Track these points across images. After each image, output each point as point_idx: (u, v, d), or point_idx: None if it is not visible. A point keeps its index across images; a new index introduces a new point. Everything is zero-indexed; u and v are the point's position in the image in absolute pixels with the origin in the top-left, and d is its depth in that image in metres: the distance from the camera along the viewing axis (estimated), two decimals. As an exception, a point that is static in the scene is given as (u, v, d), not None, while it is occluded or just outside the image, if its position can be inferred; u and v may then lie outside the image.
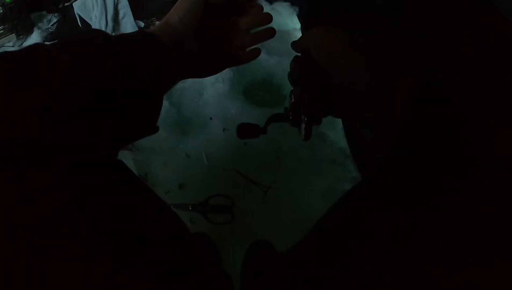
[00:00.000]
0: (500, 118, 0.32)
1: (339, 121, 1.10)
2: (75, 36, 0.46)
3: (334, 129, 1.11)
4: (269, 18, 0.57)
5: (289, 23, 1.37)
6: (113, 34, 1.03)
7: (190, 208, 0.96)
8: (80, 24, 1.24)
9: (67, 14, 1.30)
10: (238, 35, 0.58)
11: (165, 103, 1.11)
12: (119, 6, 1.21)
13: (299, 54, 0.51)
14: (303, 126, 0.45)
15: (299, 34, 1.34)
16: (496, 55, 0.40)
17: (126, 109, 0.45)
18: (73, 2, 1.25)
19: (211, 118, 1.12)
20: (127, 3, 1.21)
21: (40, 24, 1.31)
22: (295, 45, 0.52)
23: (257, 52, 0.61)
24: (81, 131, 0.38)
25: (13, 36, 1.24)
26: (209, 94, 1.17)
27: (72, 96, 0.37)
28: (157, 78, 0.49)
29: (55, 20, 1.31)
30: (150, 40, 0.49)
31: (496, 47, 0.42)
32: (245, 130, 0.53)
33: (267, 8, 1.19)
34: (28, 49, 0.39)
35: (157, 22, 1.24)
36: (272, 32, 0.59)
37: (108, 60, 0.43)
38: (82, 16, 1.22)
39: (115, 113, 0.43)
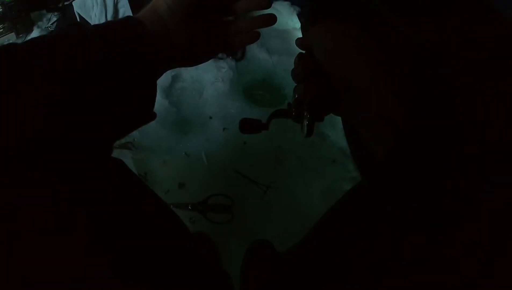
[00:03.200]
0: (502, 119, 0.32)
1: (339, 120, 1.10)
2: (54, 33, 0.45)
3: (334, 129, 1.11)
4: (266, 2, 0.54)
5: (289, 22, 1.37)
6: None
7: (189, 207, 0.96)
8: (79, 23, 1.24)
9: (66, 13, 1.30)
10: (233, 19, 0.55)
11: (165, 102, 1.11)
12: (119, 5, 1.21)
13: (303, 52, 0.51)
14: (305, 122, 0.45)
15: (299, 33, 1.33)
16: (497, 56, 0.40)
17: (117, 98, 0.44)
18: (73, 1, 1.25)
19: (210, 118, 1.12)
20: (127, 1, 1.20)
21: (39, 23, 1.31)
22: (299, 42, 0.52)
23: (254, 36, 0.57)
24: (75, 125, 0.38)
25: (12, 35, 1.24)
26: (208, 94, 1.16)
27: (56, 91, 0.37)
28: (144, 67, 0.47)
29: (54, 19, 1.31)
30: (133, 31, 0.47)
31: (497, 47, 0.42)
32: (248, 126, 0.53)
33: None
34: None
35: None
36: (272, 19, 0.55)
37: (86, 52, 0.42)
38: (81, 15, 1.22)
39: (107, 103, 0.43)
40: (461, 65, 0.41)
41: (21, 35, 1.26)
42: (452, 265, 0.26)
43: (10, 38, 1.24)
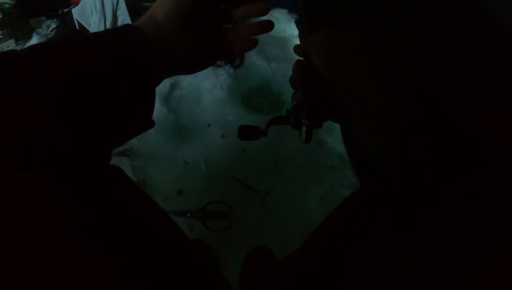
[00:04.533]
0: (499, 120, 0.32)
1: (338, 126, 1.10)
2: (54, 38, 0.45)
3: (332, 135, 1.11)
4: (264, 8, 0.54)
5: (287, 29, 1.38)
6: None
7: (188, 215, 0.96)
8: (78, 30, 1.24)
9: (66, 20, 1.31)
10: (231, 25, 0.55)
11: (164, 110, 1.11)
12: (118, 12, 1.21)
13: (301, 58, 0.51)
14: (303, 129, 0.45)
15: (297, 41, 1.34)
16: (494, 58, 0.41)
17: (116, 106, 0.44)
18: (72, 8, 1.26)
19: (209, 125, 1.12)
20: (126, 9, 1.21)
21: (39, 30, 1.31)
22: (297, 49, 0.52)
23: (252, 43, 0.57)
24: (74, 132, 0.38)
25: (12, 41, 1.24)
26: (207, 101, 1.17)
27: (54, 98, 0.37)
28: (143, 75, 0.47)
29: (54, 26, 1.32)
30: (132, 39, 0.47)
31: (492, 49, 0.42)
32: (246, 133, 0.53)
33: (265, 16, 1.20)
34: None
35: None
36: (269, 25, 0.55)
37: (85, 59, 0.42)
38: (80, 22, 1.22)
39: (106, 110, 0.43)
40: (457, 70, 0.41)
41: (20, 42, 1.26)
42: (452, 270, 0.26)
43: (9, 44, 1.24)
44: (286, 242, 0.90)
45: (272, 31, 0.56)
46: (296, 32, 1.37)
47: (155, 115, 0.51)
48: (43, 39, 1.28)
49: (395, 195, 0.35)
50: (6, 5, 1.18)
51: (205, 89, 1.18)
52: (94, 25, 1.20)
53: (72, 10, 1.24)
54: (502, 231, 0.26)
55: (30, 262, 0.30)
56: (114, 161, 0.46)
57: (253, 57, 1.26)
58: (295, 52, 0.53)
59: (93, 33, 0.46)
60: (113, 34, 0.47)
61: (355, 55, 0.45)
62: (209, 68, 0.76)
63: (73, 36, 0.43)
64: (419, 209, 0.31)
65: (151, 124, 0.52)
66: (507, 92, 0.34)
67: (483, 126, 0.32)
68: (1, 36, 1.21)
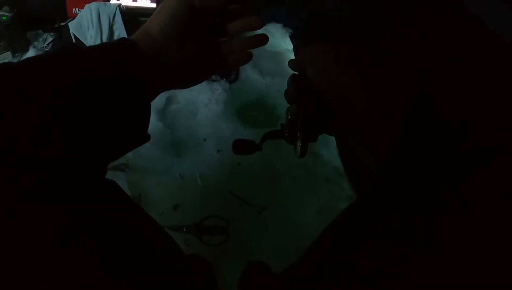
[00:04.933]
0: (498, 126, 0.33)
1: (333, 139, 1.11)
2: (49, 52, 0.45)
3: (327, 148, 1.12)
4: (259, 22, 0.54)
5: (281, 44, 1.39)
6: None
7: (184, 229, 0.95)
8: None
9: (62, 33, 1.31)
10: (226, 39, 0.56)
11: (159, 124, 1.11)
12: (114, 27, 1.22)
13: (296, 73, 0.52)
14: (298, 143, 0.45)
15: (291, 55, 1.35)
16: (490, 65, 0.41)
17: (111, 120, 0.44)
18: (69, 21, 1.26)
19: (205, 139, 1.12)
20: (122, 23, 1.22)
21: (35, 43, 1.32)
22: (291, 63, 0.53)
23: (247, 56, 0.57)
24: (68, 147, 0.38)
25: (8, 54, 1.25)
26: (202, 115, 1.17)
27: (49, 111, 0.37)
28: (138, 89, 0.47)
29: (50, 39, 1.32)
30: (127, 53, 0.47)
31: (484, 58, 0.42)
32: (241, 146, 0.53)
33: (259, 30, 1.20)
34: None
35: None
36: (264, 39, 0.56)
37: (81, 73, 0.42)
38: (77, 35, 1.23)
39: (101, 124, 0.43)
40: (453, 77, 0.41)
41: (17, 54, 1.27)
42: (449, 280, 0.26)
43: (6, 57, 1.25)
44: (283, 256, 0.90)
45: (267, 45, 0.56)
46: (290, 46, 1.38)
47: (151, 129, 0.51)
48: (40, 52, 1.28)
49: (392, 205, 0.35)
50: (3, 18, 1.19)
51: (200, 104, 1.18)
52: (91, 39, 1.21)
53: (69, 23, 1.25)
54: (502, 232, 0.26)
55: (28, 275, 0.30)
56: (109, 175, 0.46)
57: (248, 72, 1.27)
58: (289, 67, 0.54)
59: (89, 46, 0.46)
60: (109, 48, 0.47)
61: (351, 67, 0.45)
62: (204, 83, 0.76)
63: (69, 50, 0.43)
64: (417, 218, 0.31)
65: (146, 138, 0.52)
66: (504, 98, 0.35)
67: (482, 132, 0.32)
68: (-2, 49, 1.22)
